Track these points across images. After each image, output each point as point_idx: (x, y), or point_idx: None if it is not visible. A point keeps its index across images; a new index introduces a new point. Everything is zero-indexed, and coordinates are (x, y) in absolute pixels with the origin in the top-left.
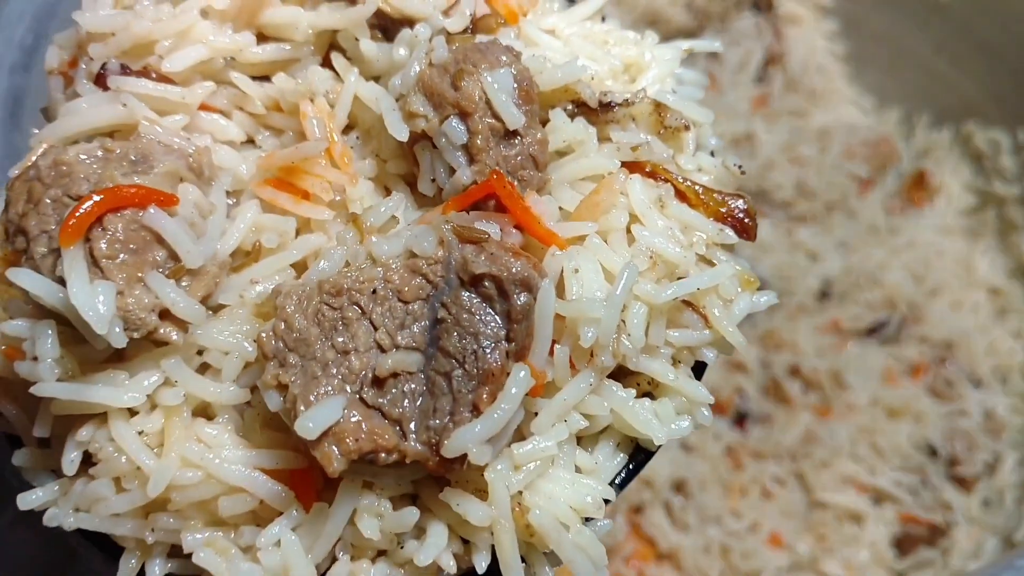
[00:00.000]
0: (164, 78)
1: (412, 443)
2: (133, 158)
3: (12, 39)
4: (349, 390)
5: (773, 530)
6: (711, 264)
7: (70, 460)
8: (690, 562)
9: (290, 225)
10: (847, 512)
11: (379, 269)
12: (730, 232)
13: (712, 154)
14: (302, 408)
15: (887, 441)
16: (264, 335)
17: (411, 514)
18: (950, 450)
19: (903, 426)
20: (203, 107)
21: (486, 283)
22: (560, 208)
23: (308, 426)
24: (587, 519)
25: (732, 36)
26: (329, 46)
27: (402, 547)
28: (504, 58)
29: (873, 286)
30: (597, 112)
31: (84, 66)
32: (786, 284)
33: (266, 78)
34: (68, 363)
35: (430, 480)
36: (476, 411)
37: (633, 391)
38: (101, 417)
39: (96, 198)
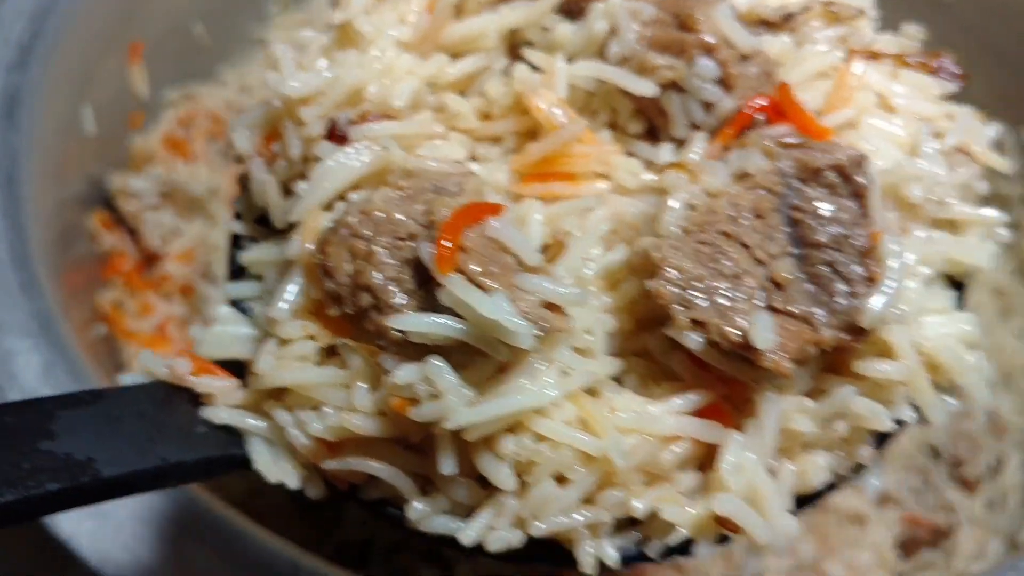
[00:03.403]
0: (387, 119)
1: (825, 331)
2: (431, 188)
3: (9, 38)
4: (759, 303)
5: None
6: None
7: (506, 476)
8: (691, 563)
9: (584, 204)
10: (849, 514)
11: (724, 198)
12: (951, 85)
13: None
14: (731, 331)
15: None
16: (662, 288)
17: (847, 393)
18: (954, 451)
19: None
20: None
21: (827, 173)
22: None
23: (766, 337)
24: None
25: None
26: (511, 45)
27: (835, 431)
28: None
29: None
30: (780, 26)
31: (294, 135)
32: None
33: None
34: (469, 389)
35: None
36: (872, 282)
37: (946, 232)
38: (509, 428)
39: (451, 224)
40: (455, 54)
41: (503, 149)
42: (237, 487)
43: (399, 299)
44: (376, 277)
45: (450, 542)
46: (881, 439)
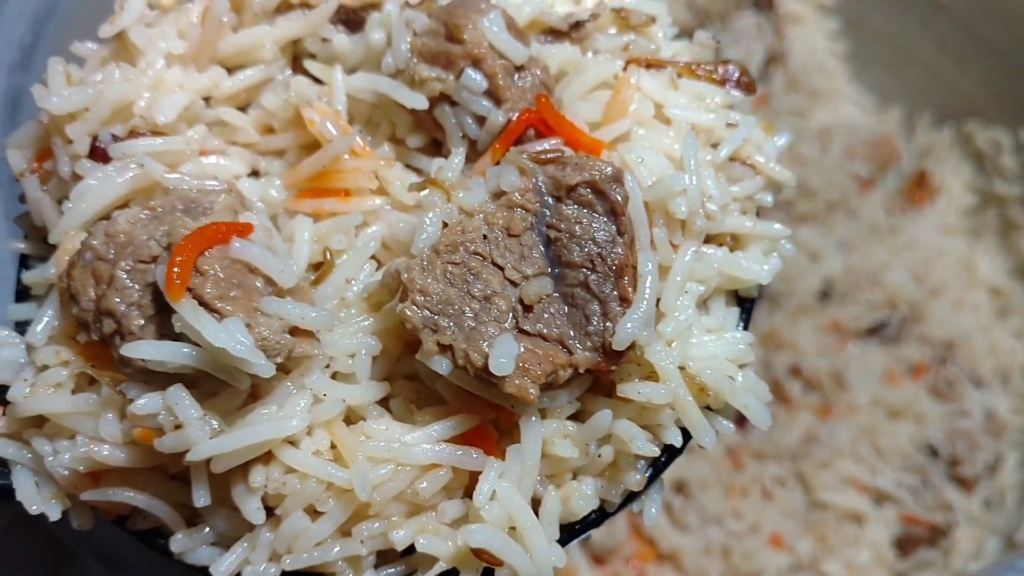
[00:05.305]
0: (155, 134)
1: (580, 353)
2: (181, 207)
3: (11, 39)
4: (508, 327)
5: (774, 531)
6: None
7: (255, 509)
8: (690, 563)
9: (353, 221)
10: (848, 512)
11: (478, 217)
12: (736, 92)
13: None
14: (476, 356)
15: (888, 441)
16: (409, 311)
17: (604, 417)
18: (951, 450)
19: (904, 426)
20: (200, 153)
21: (581, 190)
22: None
23: (502, 362)
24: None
25: (733, 35)
26: (294, 57)
27: (600, 456)
28: (483, 5)
29: (874, 286)
30: (569, 34)
31: (63, 152)
32: (787, 284)
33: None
34: (213, 419)
35: (590, 393)
36: (625, 303)
37: (726, 248)
38: (263, 458)
39: (184, 246)
40: (235, 67)
41: (286, 163)
42: None
43: (137, 324)
44: (117, 302)
45: None
46: (658, 465)
